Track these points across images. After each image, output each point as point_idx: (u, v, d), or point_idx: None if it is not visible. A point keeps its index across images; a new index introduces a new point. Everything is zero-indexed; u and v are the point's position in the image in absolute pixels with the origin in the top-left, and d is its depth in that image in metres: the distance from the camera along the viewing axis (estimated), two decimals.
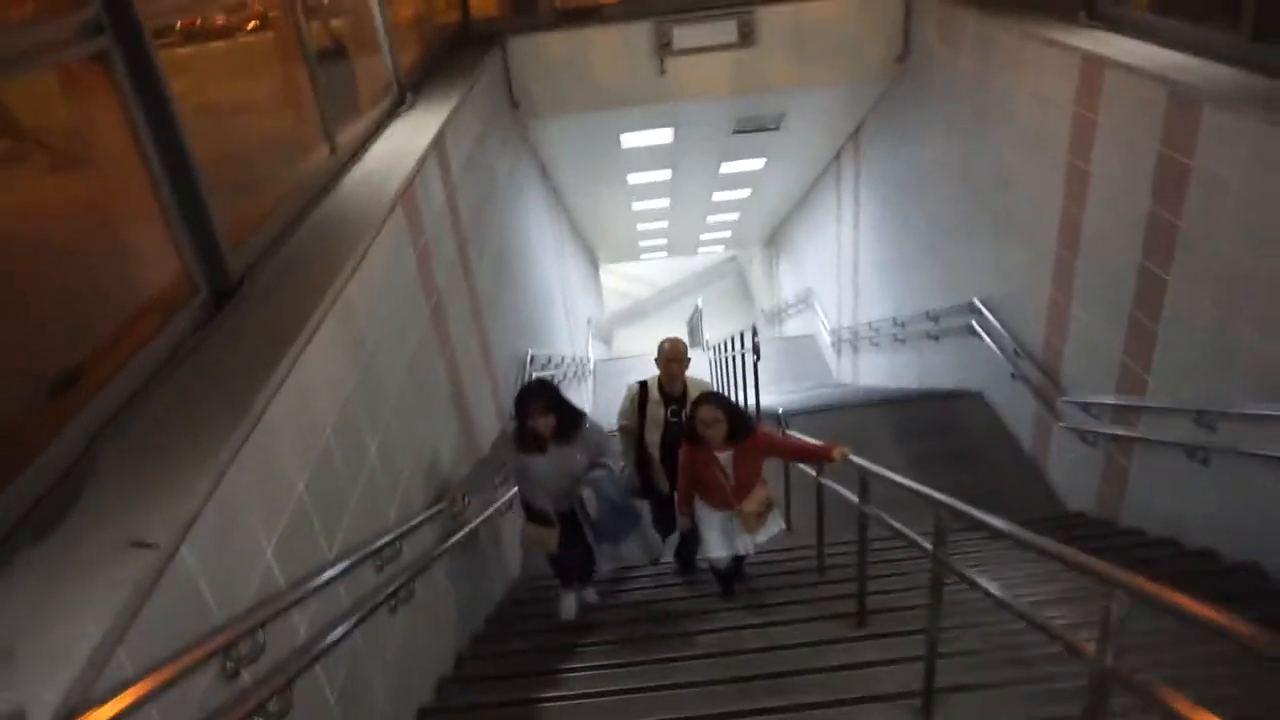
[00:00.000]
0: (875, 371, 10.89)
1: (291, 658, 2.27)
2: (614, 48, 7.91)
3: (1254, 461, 3.90)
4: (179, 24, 3.05)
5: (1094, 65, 4.92)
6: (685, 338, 5.30)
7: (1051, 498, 6.07)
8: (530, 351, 7.68)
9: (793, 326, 16.86)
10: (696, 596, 4.73)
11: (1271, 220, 3.69)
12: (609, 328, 20.33)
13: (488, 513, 4.72)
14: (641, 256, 20.56)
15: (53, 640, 1.56)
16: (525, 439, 3.87)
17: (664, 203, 14.55)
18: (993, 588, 2.52)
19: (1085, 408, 5.41)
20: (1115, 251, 4.92)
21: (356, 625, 2.67)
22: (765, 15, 7.76)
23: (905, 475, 3.32)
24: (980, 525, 2.50)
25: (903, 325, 9.26)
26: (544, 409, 3.77)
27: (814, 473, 4.80)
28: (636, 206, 14.61)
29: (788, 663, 3.53)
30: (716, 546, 4.18)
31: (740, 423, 3.92)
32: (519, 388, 3.98)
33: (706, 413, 3.82)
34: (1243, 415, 3.94)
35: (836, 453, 3.83)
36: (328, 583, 2.52)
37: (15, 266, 2.02)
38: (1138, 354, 4.83)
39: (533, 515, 4.16)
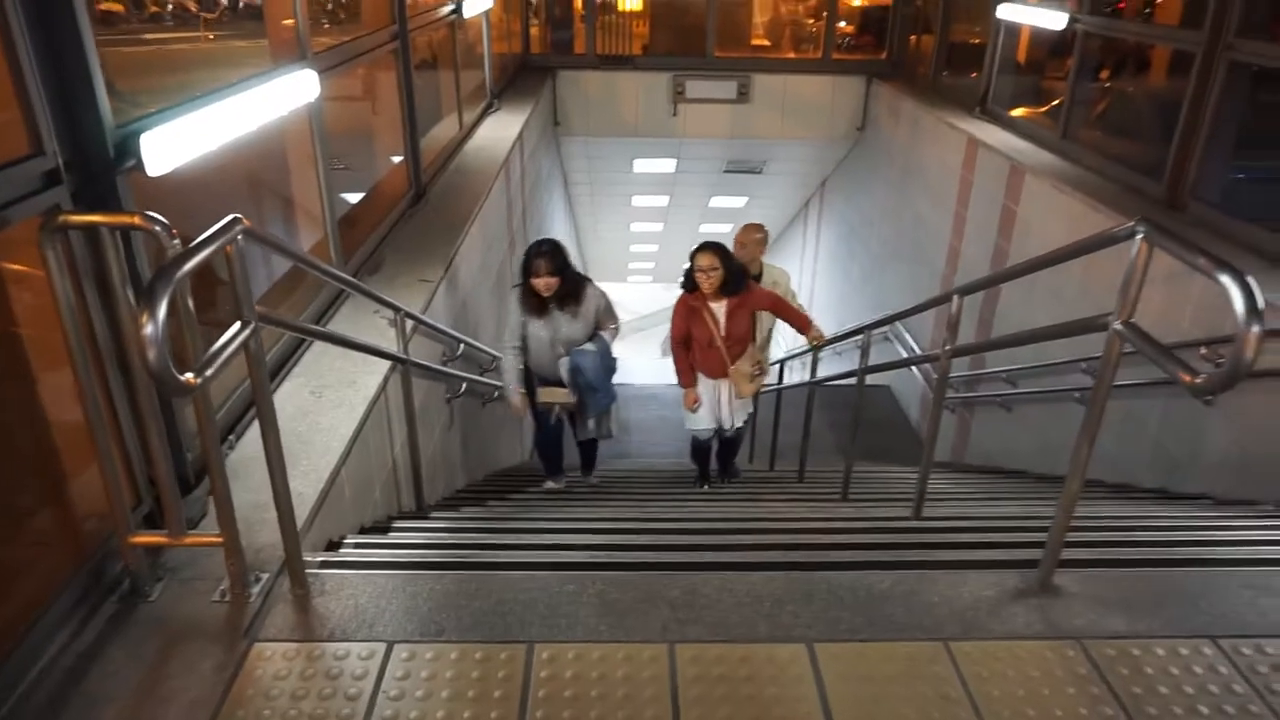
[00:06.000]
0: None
1: (460, 376, 4.29)
2: (638, 90, 10.15)
3: (1032, 402, 6.04)
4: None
5: (973, 144, 7.18)
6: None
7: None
8: None
9: None
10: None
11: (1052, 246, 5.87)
12: None
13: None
14: (629, 279, 22.73)
15: (404, 300, 3.59)
16: (528, 298, 3.86)
17: (657, 227, 16.76)
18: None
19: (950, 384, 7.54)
20: (976, 270, 7.11)
21: (465, 387, 4.66)
22: (759, 80, 10.07)
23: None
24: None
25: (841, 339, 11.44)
26: (548, 269, 3.73)
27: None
28: (634, 228, 16.81)
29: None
30: (700, 418, 4.23)
31: (733, 276, 3.90)
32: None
33: (705, 259, 3.83)
34: (1026, 373, 6.08)
35: (813, 331, 4.24)
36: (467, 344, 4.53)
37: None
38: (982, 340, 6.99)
39: (542, 380, 4.13)
